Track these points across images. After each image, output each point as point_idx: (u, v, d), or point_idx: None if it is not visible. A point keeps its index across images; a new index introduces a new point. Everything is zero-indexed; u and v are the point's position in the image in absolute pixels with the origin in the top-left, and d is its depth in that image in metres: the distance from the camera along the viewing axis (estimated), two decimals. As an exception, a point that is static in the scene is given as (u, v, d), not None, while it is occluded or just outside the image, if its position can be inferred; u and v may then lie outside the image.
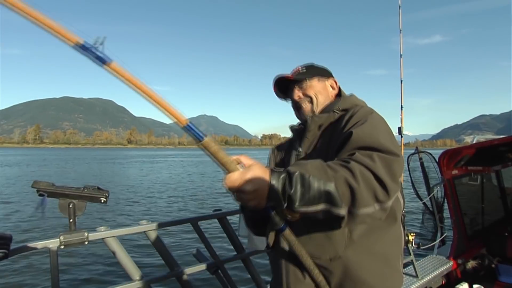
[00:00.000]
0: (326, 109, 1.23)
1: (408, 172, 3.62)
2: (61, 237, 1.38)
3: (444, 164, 3.28)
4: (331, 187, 0.80)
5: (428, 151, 3.64)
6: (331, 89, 1.29)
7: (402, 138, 2.95)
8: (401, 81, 3.00)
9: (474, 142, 3.37)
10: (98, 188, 1.42)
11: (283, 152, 1.37)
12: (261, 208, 0.86)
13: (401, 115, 2.95)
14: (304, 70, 1.27)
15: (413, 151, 3.66)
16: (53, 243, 1.39)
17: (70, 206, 1.36)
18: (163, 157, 67.41)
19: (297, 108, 1.28)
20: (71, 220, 1.39)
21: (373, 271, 1.04)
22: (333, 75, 1.34)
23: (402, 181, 2.96)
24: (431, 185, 3.44)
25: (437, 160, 3.34)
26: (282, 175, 0.82)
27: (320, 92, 1.25)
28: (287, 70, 1.30)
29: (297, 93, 1.26)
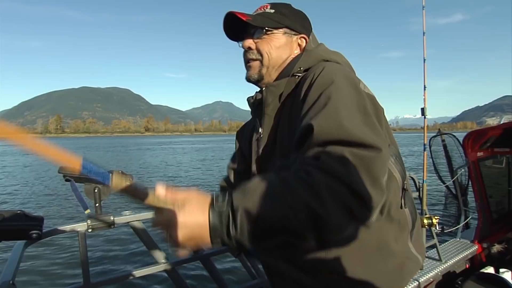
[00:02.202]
0: (285, 72, 0.96)
1: (430, 155, 3.53)
2: (88, 221, 1.41)
3: (469, 145, 3.18)
4: (287, 220, 0.60)
5: (452, 133, 3.55)
6: (297, 48, 1.00)
7: (426, 120, 2.87)
8: (424, 60, 2.88)
9: (501, 122, 3.25)
10: (122, 173, 1.44)
11: (247, 135, 1.13)
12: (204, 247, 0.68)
13: (424, 96, 2.85)
14: (271, 13, 0.97)
15: (435, 133, 3.57)
16: (81, 227, 1.43)
17: (96, 190, 1.39)
18: (180, 144, 68.42)
19: (244, 61, 1.00)
20: (97, 204, 1.42)
21: (368, 267, 0.85)
22: (311, 28, 1.03)
23: (425, 165, 2.91)
24: (454, 168, 3.36)
25: (461, 142, 3.24)
26: (224, 212, 0.62)
27: (277, 49, 0.96)
28: None
29: (248, 42, 0.96)
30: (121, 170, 1.56)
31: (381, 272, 0.86)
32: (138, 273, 1.62)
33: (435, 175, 3.66)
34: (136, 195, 0.64)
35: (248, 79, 0.99)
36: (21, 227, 0.74)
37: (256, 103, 1.00)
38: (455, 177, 3.29)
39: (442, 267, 2.79)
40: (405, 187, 0.92)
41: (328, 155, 0.65)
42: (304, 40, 1.00)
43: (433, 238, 2.81)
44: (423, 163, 2.94)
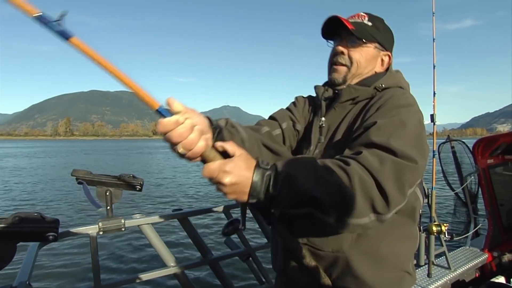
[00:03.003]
0: (366, 82, 1.04)
1: (439, 161, 3.51)
2: (100, 224, 1.43)
3: (479, 152, 3.15)
4: (320, 193, 0.71)
5: (461, 140, 3.51)
6: (380, 63, 1.09)
7: (435, 126, 2.85)
8: (434, 66, 2.87)
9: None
10: (133, 176, 1.47)
11: (307, 114, 1.19)
12: (242, 203, 0.77)
13: (433, 102, 2.83)
14: (369, 25, 1.05)
15: (444, 140, 3.54)
16: (92, 229, 1.45)
17: (107, 193, 1.42)
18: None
19: (332, 62, 1.08)
20: (108, 207, 1.45)
21: (376, 272, 0.94)
22: (394, 45, 1.12)
23: (434, 172, 2.90)
24: (464, 175, 3.32)
25: (471, 148, 3.22)
26: (267, 173, 0.72)
27: (366, 61, 1.05)
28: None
29: (341, 47, 1.05)
30: (132, 174, 1.58)
31: (384, 277, 0.95)
32: (148, 276, 1.64)
33: (444, 182, 3.62)
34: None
35: (332, 81, 1.07)
36: (38, 229, 0.76)
37: (327, 95, 1.09)
38: (465, 184, 3.26)
39: (451, 276, 2.76)
40: (421, 213, 1.04)
41: (371, 154, 0.76)
42: (388, 57, 1.10)
43: (442, 245, 2.78)
44: (432, 170, 2.91)
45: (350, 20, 1.04)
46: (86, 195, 1.23)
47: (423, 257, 2.67)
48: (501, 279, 2.83)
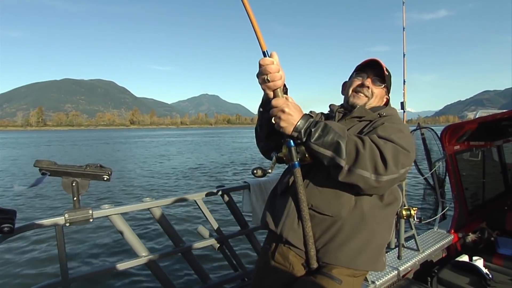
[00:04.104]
0: (374, 109, 1.39)
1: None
2: (66, 215, 1.39)
3: (446, 139, 3.26)
4: (342, 141, 1.03)
5: (431, 127, 3.62)
6: (383, 100, 1.47)
7: (405, 114, 2.92)
8: (404, 55, 2.93)
9: (476, 117, 3.34)
10: (101, 166, 1.43)
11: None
12: (286, 132, 1.08)
13: (403, 90, 2.90)
14: (387, 75, 1.41)
15: (415, 127, 3.64)
16: (58, 221, 1.42)
17: (73, 184, 1.37)
18: (165, 137, 67.65)
19: (356, 89, 1.41)
20: (75, 198, 1.40)
21: (361, 241, 1.18)
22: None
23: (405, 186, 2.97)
24: (432, 161, 3.44)
25: (439, 135, 3.32)
26: (311, 119, 1.09)
27: (377, 97, 1.42)
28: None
29: (368, 83, 1.40)
30: (99, 164, 1.54)
31: (365, 252, 1.18)
32: (119, 266, 1.62)
33: (414, 167, 3.74)
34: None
35: (353, 105, 1.40)
36: None
37: (342, 111, 1.44)
38: (433, 169, 3.38)
39: (420, 257, 2.88)
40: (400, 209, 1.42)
41: (380, 138, 1.09)
42: (387, 99, 1.48)
43: (412, 229, 2.89)
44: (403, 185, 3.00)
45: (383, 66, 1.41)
46: (36, 181, 1.18)
47: (393, 240, 2.76)
48: (465, 258, 2.98)
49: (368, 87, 1.39)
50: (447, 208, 3.56)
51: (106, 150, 31.06)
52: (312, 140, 1.05)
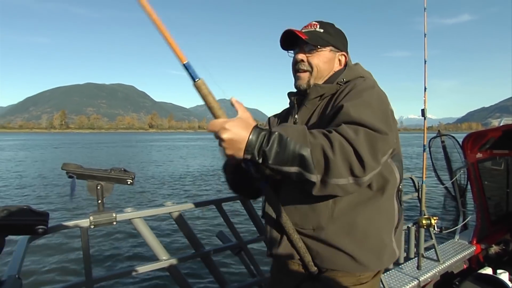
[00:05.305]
0: (330, 80, 1.19)
1: (429, 156, 3.54)
2: (91, 217, 1.44)
3: (468, 147, 3.19)
4: (306, 152, 0.83)
5: (453, 134, 3.55)
6: (337, 63, 1.24)
7: (426, 121, 2.87)
8: (425, 61, 2.89)
9: (500, 124, 3.25)
10: (125, 170, 1.47)
11: (279, 121, 1.37)
12: (238, 160, 0.88)
13: (424, 97, 2.85)
14: (321, 32, 1.19)
15: (435, 134, 3.57)
16: (83, 223, 1.46)
17: (98, 187, 1.42)
18: (184, 141, 68.44)
19: (295, 69, 1.22)
20: (99, 201, 1.45)
21: (355, 243, 1.05)
22: (348, 44, 1.27)
23: (425, 166, 2.93)
24: (453, 169, 3.37)
25: (460, 143, 3.25)
26: (263, 132, 0.85)
27: (324, 63, 1.19)
28: None
29: (301, 56, 1.19)
30: (123, 168, 1.59)
31: (363, 248, 1.06)
32: (139, 269, 1.66)
33: (434, 176, 3.67)
34: (208, 99, 0.88)
35: (298, 88, 1.21)
36: (28, 222, 0.77)
37: (298, 96, 1.24)
38: (454, 178, 3.31)
39: (440, 268, 2.81)
40: (400, 188, 1.15)
41: (348, 127, 0.88)
42: (344, 57, 1.24)
43: (432, 238, 2.83)
44: (423, 164, 2.94)
45: (303, 30, 1.19)
46: (71, 186, 1.24)
47: (413, 249, 2.71)
48: (488, 270, 2.89)
49: (302, 60, 1.19)
50: (468, 218, 3.46)
51: (126, 153, 31.73)
52: (270, 162, 0.84)
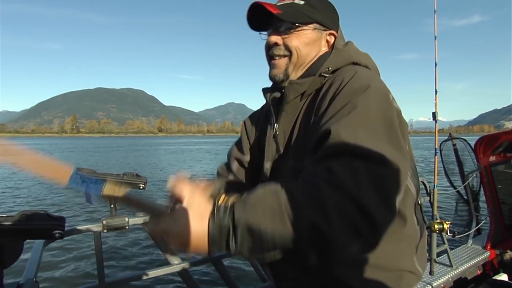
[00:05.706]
0: (311, 71, 0.89)
1: (441, 159, 3.50)
2: (104, 222, 1.45)
3: (480, 150, 3.14)
4: (291, 239, 0.57)
5: (464, 137, 3.51)
6: (325, 44, 0.93)
7: (437, 124, 2.84)
8: (436, 64, 2.86)
9: (514, 127, 3.20)
10: (137, 175, 1.49)
11: (258, 128, 1.07)
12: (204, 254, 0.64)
13: (435, 100, 2.82)
14: (300, 4, 0.88)
15: (446, 137, 3.53)
16: (96, 227, 1.48)
17: (111, 192, 1.45)
18: (193, 145, 68.78)
19: (269, 56, 0.92)
20: (112, 206, 1.48)
21: (367, 280, 0.82)
22: (339, 22, 0.95)
23: (436, 170, 2.90)
24: (465, 173, 3.32)
25: (472, 146, 3.21)
26: (224, 224, 0.58)
27: (306, 46, 0.89)
28: None
29: (275, 37, 0.89)
30: (135, 172, 1.62)
31: (379, 283, 0.84)
32: (151, 273, 1.67)
33: (446, 179, 3.62)
34: (131, 204, 0.71)
35: (273, 79, 0.92)
36: (45, 226, 0.78)
37: (274, 98, 0.93)
38: (467, 182, 3.26)
39: (453, 273, 2.76)
40: (419, 202, 0.91)
41: (342, 169, 0.60)
42: (333, 37, 0.93)
43: (444, 243, 2.79)
44: (434, 168, 2.91)
45: (278, 4, 0.89)
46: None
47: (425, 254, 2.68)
48: (504, 277, 2.83)
49: (277, 43, 0.88)
50: (482, 222, 3.40)
51: (136, 157, 32.01)
52: (245, 256, 0.61)
